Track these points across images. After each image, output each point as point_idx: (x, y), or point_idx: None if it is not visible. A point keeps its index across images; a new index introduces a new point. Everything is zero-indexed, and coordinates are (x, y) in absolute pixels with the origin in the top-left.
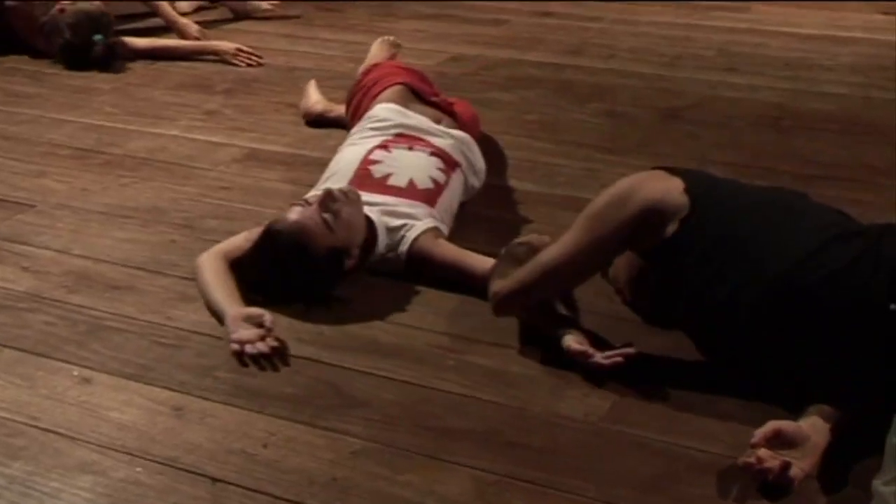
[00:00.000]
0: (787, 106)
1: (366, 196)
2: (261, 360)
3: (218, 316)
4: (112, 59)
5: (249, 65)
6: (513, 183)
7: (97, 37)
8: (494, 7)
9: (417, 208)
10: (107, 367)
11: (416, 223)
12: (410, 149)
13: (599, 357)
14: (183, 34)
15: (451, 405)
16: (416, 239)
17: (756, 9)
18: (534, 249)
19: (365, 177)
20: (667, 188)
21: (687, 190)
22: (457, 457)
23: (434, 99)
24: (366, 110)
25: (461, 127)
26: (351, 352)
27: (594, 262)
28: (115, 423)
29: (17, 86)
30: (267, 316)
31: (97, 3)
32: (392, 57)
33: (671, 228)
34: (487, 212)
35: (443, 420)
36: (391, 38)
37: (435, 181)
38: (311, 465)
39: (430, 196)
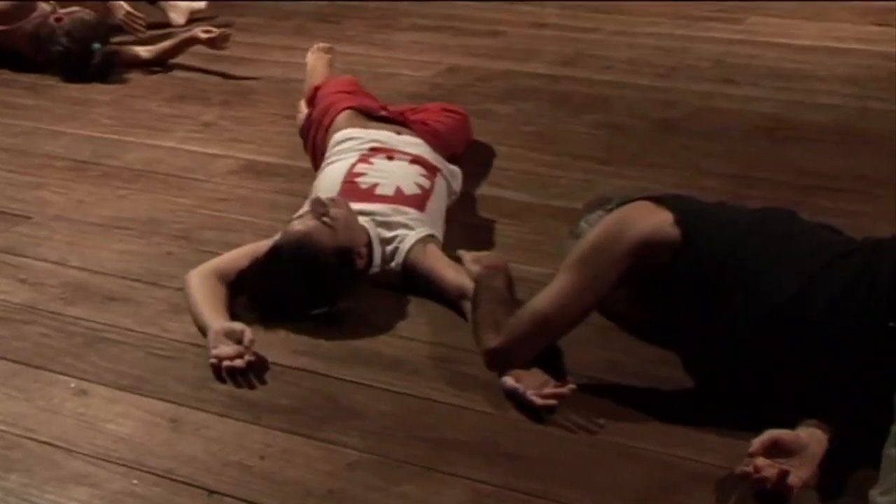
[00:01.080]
0: (783, 117)
1: (356, 206)
2: (237, 376)
3: (203, 331)
4: (110, 69)
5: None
6: (509, 193)
7: (95, 45)
8: (491, 18)
9: (408, 214)
10: (103, 379)
11: (409, 234)
12: (391, 159)
13: (532, 395)
14: (113, 12)
15: (447, 416)
16: (409, 250)
17: (751, 20)
18: (507, 279)
19: (352, 190)
20: (657, 222)
21: (677, 221)
22: (453, 468)
23: (383, 113)
24: (324, 143)
25: (420, 136)
26: (347, 363)
27: (590, 304)
28: (111, 434)
29: (15, 97)
30: (247, 332)
31: (92, 12)
32: (329, 63)
33: (663, 260)
34: (483, 222)
35: (439, 431)
36: (323, 44)
37: (421, 187)
38: (307, 476)
39: (419, 201)
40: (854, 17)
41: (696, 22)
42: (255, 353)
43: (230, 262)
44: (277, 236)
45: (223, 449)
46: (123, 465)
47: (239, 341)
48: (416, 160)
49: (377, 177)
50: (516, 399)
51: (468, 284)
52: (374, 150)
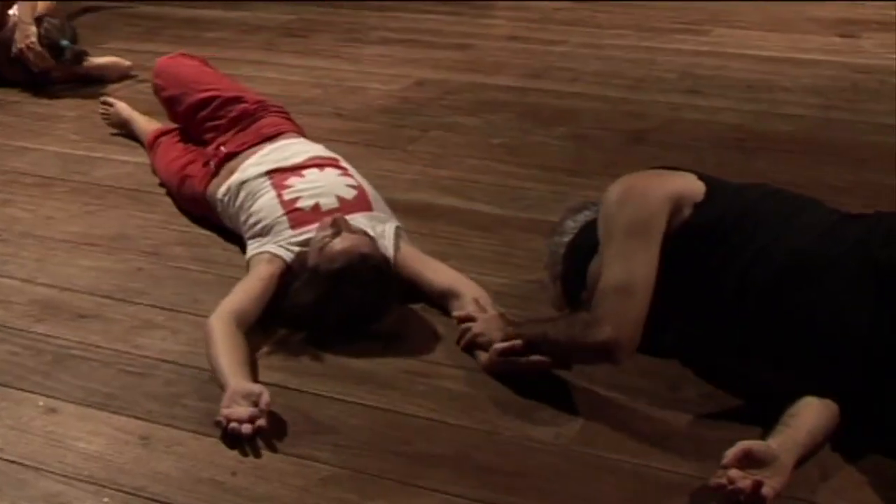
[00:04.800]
0: (750, 127)
1: (315, 226)
2: (241, 441)
3: (220, 383)
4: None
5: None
6: (479, 206)
7: (63, 42)
8: (459, 32)
9: (366, 217)
10: (73, 397)
11: (383, 241)
12: (302, 175)
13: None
14: (19, 35)
15: (420, 430)
16: (395, 257)
17: (717, 32)
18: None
19: (300, 217)
20: (683, 178)
21: (700, 178)
22: (427, 482)
23: (215, 164)
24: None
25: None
26: (320, 378)
27: (654, 257)
28: (81, 453)
29: None
30: (264, 396)
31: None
32: (127, 107)
33: (686, 213)
34: (453, 234)
35: (413, 445)
36: (102, 106)
37: (353, 187)
38: (280, 492)
39: (363, 202)
40: (818, 28)
41: (662, 34)
42: (266, 419)
43: (245, 302)
44: (280, 263)
45: (195, 465)
46: (94, 484)
47: (255, 404)
48: (325, 164)
49: (311, 194)
50: (504, 365)
51: (453, 284)
52: (281, 174)
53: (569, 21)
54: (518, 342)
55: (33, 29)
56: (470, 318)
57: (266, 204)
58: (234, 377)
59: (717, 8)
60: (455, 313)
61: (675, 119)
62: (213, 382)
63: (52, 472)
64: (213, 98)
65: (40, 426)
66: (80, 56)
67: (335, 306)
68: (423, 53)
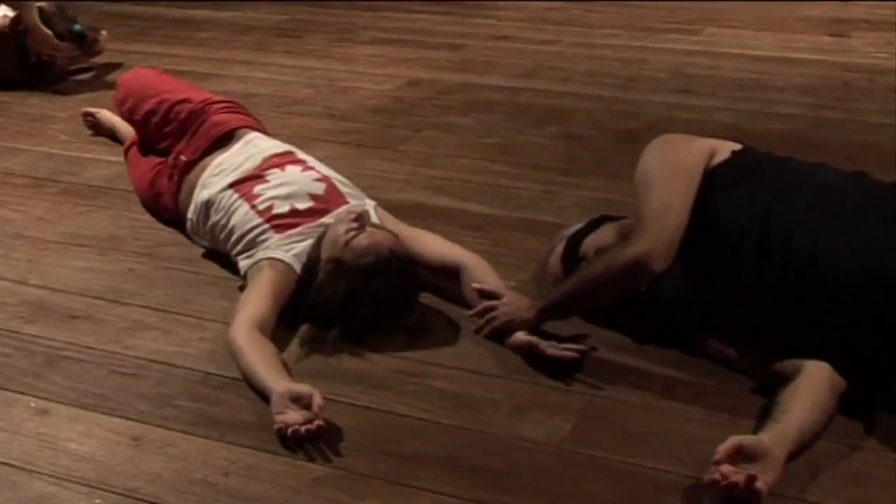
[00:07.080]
0: (742, 127)
1: (301, 229)
2: (304, 442)
3: (262, 393)
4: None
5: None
6: (471, 206)
7: (76, 27)
8: (451, 31)
9: (340, 210)
10: (64, 398)
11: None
12: (267, 181)
13: (546, 346)
14: (36, 42)
15: (412, 430)
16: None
17: (708, 31)
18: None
19: (279, 221)
20: (716, 140)
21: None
22: (419, 481)
23: (183, 163)
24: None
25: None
26: (311, 378)
27: (692, 189)
28: (73, 454)
29: None
30: (316, 397)
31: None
32: (109, 115)
33: (723, 157)
34: (445, 234)
35: (404, 445)
36: (89, 117)
37: (320, 180)
38: (272, 492)
39: (335, 196)
40: (809, 28)
41: (654, 33)
42: (322, 419)
43: (261, 308)
44: (294, 262)
45: (187, 466)
46: (86, 485)
47: (307, 406)
48: (283, 163)
49: (283, 198)
50: (527, 352)
51: (452, 260)
52: (242, 184)
53: (560, 21)
54: (534, 339)
55: (46, 31)
56: (491, 309)
57: (242, 218)
58: (276, 381)
59: (709, 7)
60: (470, 314)
61: (667, 118)
62: (205, 383)
63: (44, 474)
64: (161, 103)
65: (32, 427)
66: (95, 33)
67: (366, 302)
68: (415, 53)
